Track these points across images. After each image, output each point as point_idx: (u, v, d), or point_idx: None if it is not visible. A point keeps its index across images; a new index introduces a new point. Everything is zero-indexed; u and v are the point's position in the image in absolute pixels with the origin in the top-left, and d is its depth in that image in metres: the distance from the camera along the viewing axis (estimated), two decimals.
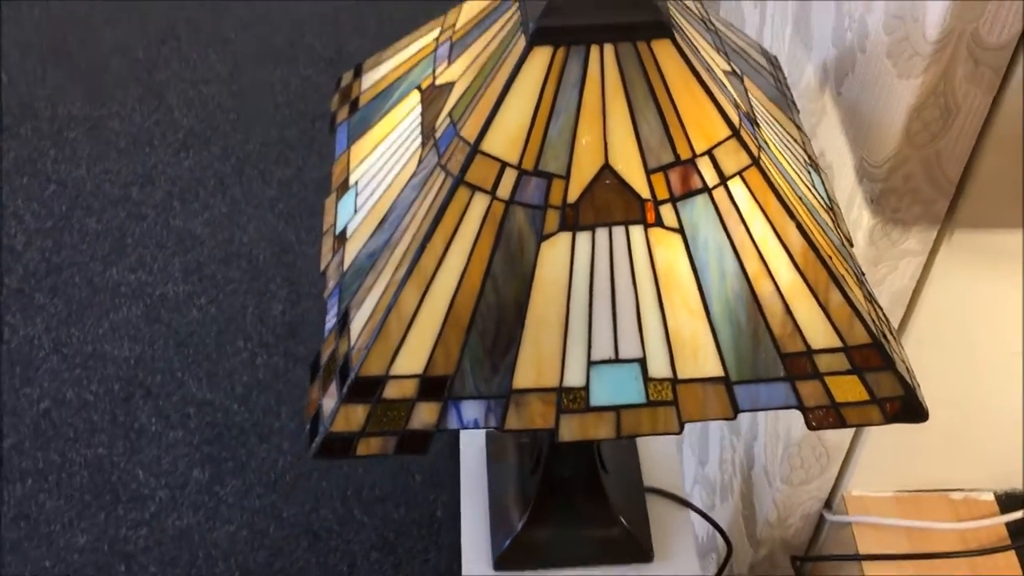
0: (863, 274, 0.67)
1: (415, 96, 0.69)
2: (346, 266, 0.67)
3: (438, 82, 0.67)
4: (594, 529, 0.94)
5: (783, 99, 0.77)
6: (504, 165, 0.58)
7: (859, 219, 0.77)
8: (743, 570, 1.14)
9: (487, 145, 0.58)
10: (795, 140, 0.72)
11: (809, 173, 0.70)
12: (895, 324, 0.85)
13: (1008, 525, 0.97)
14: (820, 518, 1.05)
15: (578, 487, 0.92)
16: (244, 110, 2.50)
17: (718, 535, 1.03)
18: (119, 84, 2.59)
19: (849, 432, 0.95)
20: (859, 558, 0.95)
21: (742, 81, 0.70)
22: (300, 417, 1.89)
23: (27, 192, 2.29)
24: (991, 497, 1.00)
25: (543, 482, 0.91)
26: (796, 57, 0.94)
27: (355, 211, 0.69)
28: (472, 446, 1.04)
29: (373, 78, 0.78)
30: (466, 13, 0.68)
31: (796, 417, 0.94)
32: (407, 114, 0.69)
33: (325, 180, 2.31)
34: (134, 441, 1.83)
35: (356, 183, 0.71)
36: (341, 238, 0.70)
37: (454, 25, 0.69)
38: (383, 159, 0.69)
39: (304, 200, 2.27)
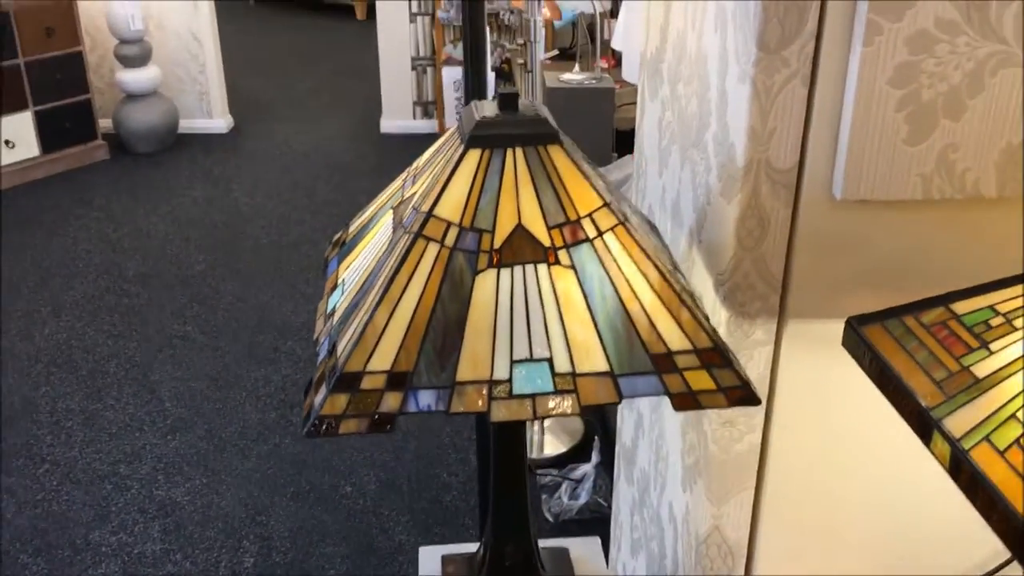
0: (707, 317, 0.92)
1: (389, 214, 0.97)
2: (335, 320, 0.91)
3: (405, 197, 0.96)
4: None
5: (657, 235, 1.06)
6: (449, 224, 0.85)
7: (719, 316, 1.03)
8: None
9: (438, 211, 0.85)
10: (661, 248, 1.00)
11: (667, 251, 0.97)
12: (760, 417, 1.08)
13: None
14: None
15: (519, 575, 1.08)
16: (228, 400, 2.76)
17: None
18: (116, 384, 2.85)
19: (745, 529, 1.13)
20: None
21: (621, 206, 0.99)
22: None
23: (21, 471, 2.46)
24: None
25: (489, 573, 1.08)
26: (673, 234, 1.24)
27: (341, 294, 0.95)
28: (429, 566, 1.19)
29: (357, 222, 1.06)
30: (424, 156, 0.99)
31: (702, 519, 1.13)
32: (382, 226, 0.97)
33: (301, 454, 2.52)
34: None
35: (343, 281, 0.97)
36: (330, 314, 0.94)
37: (417, 166, 0.99)
38: (363, 258, 0.96)
39: (280, 471, 2.46)
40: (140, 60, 4.76)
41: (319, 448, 2.54)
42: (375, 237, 0.97)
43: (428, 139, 5.01)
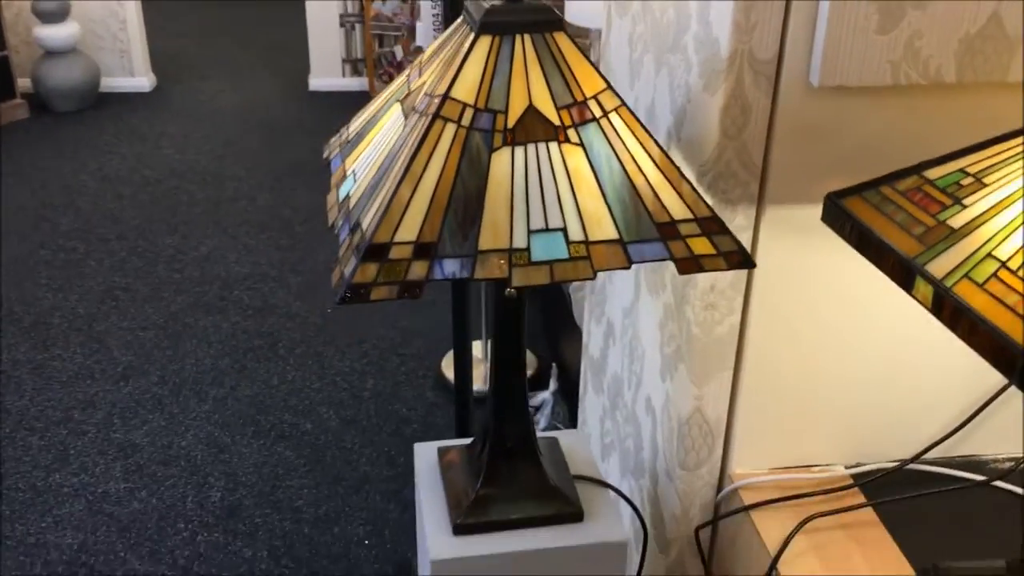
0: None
1: (396, 106, 1.02)
2: (352, 204, 0.95)
3: (412, 89, 1.00)
4: (534, 494, 1.15)
5: None
6: (465, 105, 0.91)
7: None
8: (659, 571, 1.33)
9: (454, 93, 0.91)
10: None
11: None
12: (739, 300, 1.16)
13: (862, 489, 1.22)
14: (715, 509, 1.28)
15: (519, 457, 1.15)
16: (179, 348, 2.76)
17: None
18: (61, 335, 2.82)
19: (724, 407, 1.21)
20: (746, 508, 1.18)
21: None
22: None
23: None
24: (844, 471, 1.25)
25: (491, 452, 1.14)
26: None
27: (354, 182, 0.99)
28: (425, 459, 1.25)
29: (357, 121, 1.11)
30: (428, 50, 1.03)
31: (684, 402, 1.21)
32: (390, 117, 1.02)
33: (259, 396, 2.54)
34: None
35: (353, 171, 1.02)
36: (345, 201, 0.99)
37: (420, 61, 1.04)
38: (374, 148, 1.01)
39: (238, 412, 2.48)
40: (59, 16, 4.63)
41: (276, 390, 2.56)
42: (383, 128, 1.02)
43: (357, 96, 5.01)
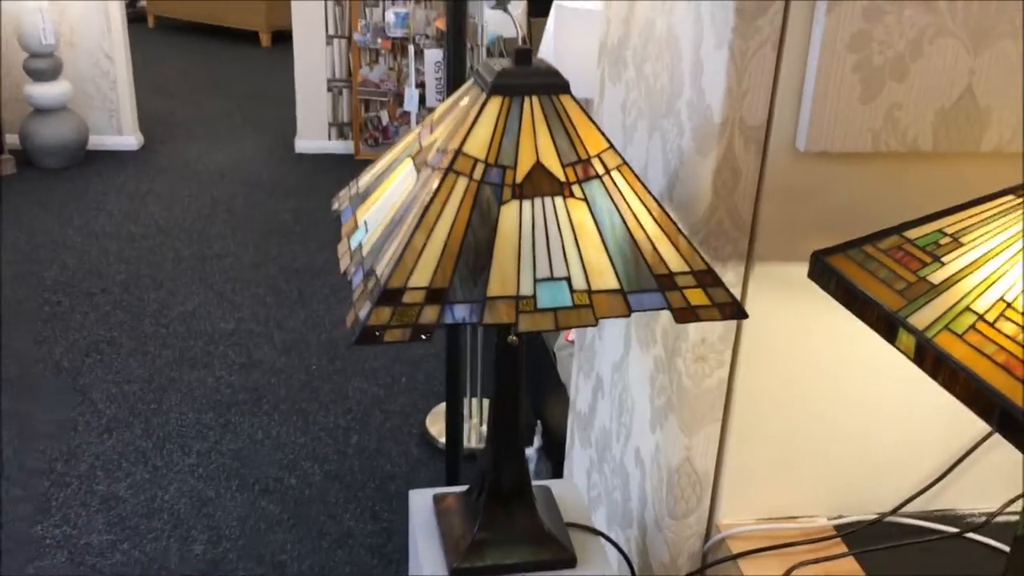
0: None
1: (407, 161, 1.08)
2: (365, 252, 1.00)
3: (424, 145, 1.06)
4: (529, 540, 1.18)
5: None
6: (476, 160, 0.96)
7: None
8: None
9: (466, 148, 0.96)
10: None
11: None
12: (728, 353, 1.21)
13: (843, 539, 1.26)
14: (703, 558, 1.31)
15: (515, 503, 1.18)
16: (164, 401, 2.77)
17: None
18: (44, 387, 2.83)
19: (712, 458, 1.26)
20: (734, 557, 1.22)
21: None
22: None
23: None
24: (826, 522, 1.29)
25: (488, 498, 1.17)
26: None
27: (366, 231, 1.04)
28: (420, 505, 1.28)
29: (368, 175, 1.16)
30: (438, 110, 1.09)
31: (674, 452, 1.26)
32: (402, 172, 1.07)
33: (243, 450, 2.55)
34: None
35: (364, 221, 1.07)
36: (358, 250, 1.03)
37: (431, 119, 1.10)
38: (386, 200, 1.06)
39: (222, 466, 2.49)
40: (51, 74, 4.70)
41: (260, 444, 2.57)
42: (395, 182, 1.07)
43: (343, 159, 5.10)
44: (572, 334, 2.32)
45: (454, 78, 1.53)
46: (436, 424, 2.64)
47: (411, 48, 4.44)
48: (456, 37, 1.50)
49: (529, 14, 4.19)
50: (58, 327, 3.16)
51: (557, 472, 2.29)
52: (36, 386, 2.80)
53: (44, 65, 4.66)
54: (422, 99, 4.48)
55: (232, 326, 3.22)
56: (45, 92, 4.69)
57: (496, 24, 4.07)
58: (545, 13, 3.46)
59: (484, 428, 2.66)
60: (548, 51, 3.06)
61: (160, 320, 3.25)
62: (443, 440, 2.56)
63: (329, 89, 5.19)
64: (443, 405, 2.71)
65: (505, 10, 3.21)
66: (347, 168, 4.98)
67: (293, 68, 5.13)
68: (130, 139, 5.14)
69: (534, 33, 4.24)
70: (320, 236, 3.95)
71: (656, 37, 1.31)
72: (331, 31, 5.09)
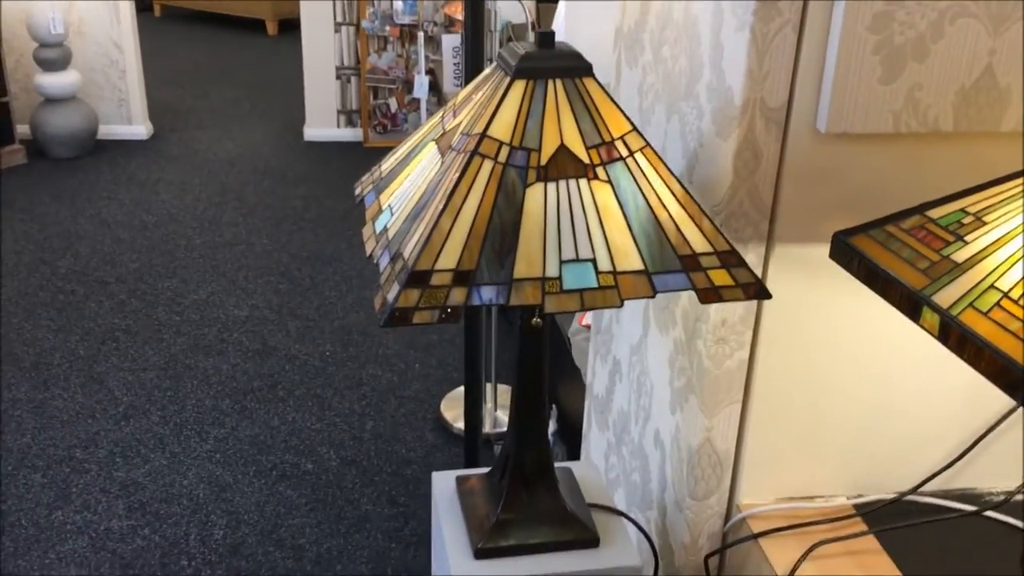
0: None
1: (431, 145, 1.08)
2: (391, 235, 1.01)
3: (447, 129, 1.07)
4: (552, 520, 1.20)
5: None
6: (501, 143, 0.97)
7: None
8: None
9: (491, 132, 0.97)
10: None
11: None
12: (748, 334, 1.22)
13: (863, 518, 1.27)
14: (723, 538, 1.32)
15: (537, 483, 1.19)
16: (180, 389, 2.78)
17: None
18: (61, 375, 2.85)
19: (733, 439, 1.27)
20: (755, 536, 1.23)
21: None
22: None
23: None
24: (846, 501, 1.30)
25: (512, 479, 1.19)
26: None
27: (391, 215, 1.05)
28: (443, 487, 1.29)
29: (390, 160, 1.17)
30: (461, 95, 1.10)
31: (694, 433, 1.27)
32: (426, 156, 1.08)
33: (260, 435, 2.56)
34: None
35: (389, 205, 1.08)
36: (383, 233, 1.04)
37: (454, 103, 1.10)
38: (410, 184, 1.07)
39: (239, 451, 2.50)
40: (60, 64, 4.71)
41: (276, 430, 2.59)
42: (419, 165, 1.08)
43: (351, 147, 5.10)
44: (587, 318, 2.33)
45: (472, 63, 1.54)
46: (451, 409, 2.65)
47: (420, 35, 4.44)
48: (474, 22, 1.50)
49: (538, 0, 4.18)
50: (73, 316, 3.18)
51: (573, 455, 2.31)
52: (53, 375, 2.82)
53: (54, 55, 4.67)
54: (432, 86, 4.48)
55: (246, 313, 3.24)
56: (55, 82, 4.71)
57: (505, 10, 4.07)
58: None
59: (499, 413, 2.68)
60: (559, 37, 3.06)
61: (174, 308, 3.27)
62: (457, 425, 2.58)
63: (338, 77, 5.19)
64: (457, 391, 2.73)
65: None
66: (356, 156, 4.99)
67: (300, 56, 5.13)
68: (140, 128, 5.15)
69: (542, 19, 4.23)
70: (330, 223, 3.96)
71: (674, 21, 1.31)
72: (339, 18, 5.09)
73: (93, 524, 2.21)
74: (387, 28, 4.95)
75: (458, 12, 3.93)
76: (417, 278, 0.93)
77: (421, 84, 3.74)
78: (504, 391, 2.74)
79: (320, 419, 2.65)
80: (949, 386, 1.26)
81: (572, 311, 0.96)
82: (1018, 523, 1.24)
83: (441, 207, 0.95)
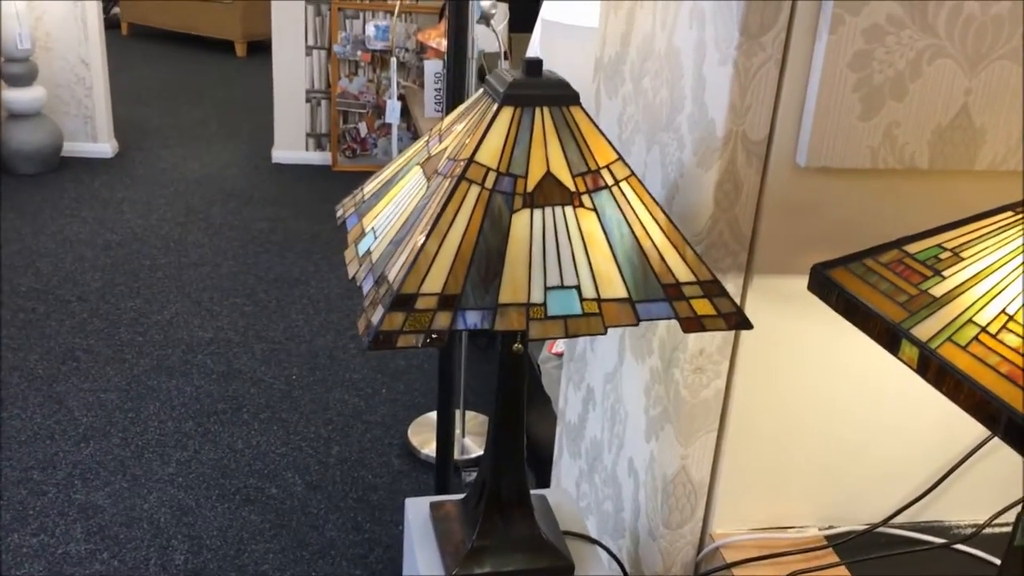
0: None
1: (416, 169, 1.08)
2: (375, 258, 1.01)
3: (432, 153, 1.07)
4: (528, 547, 1.19)
5: None
6: (488, 169, 0.97)
7: None
8: None
9: (478, 157, 0.97)
10: None
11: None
12: (725, 364, 1.23)
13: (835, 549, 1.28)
14: (696, 568, 1.32)
15: (513, 510, 1.19)
16: (142, 410, 2.74)
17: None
18: (20, 394, 2.79)
19: (707, 470, 1.27)
20: (729, 565, 1.23)
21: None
22: None
23: None
24: (818, 532, 1.31)
25: (487, 506, 1.18)
26: None
27: (375, 238, 1.05)
28: (416, 513, 1.28)
29: (373, 183, 1.17)
30: (447, 120, 1.11)
31: (669, 462, 1.27)
32: (410, 180, 1.08)
33: (223, 459, 2.53)
34: None
35: (372, 228, 1.07)
36: (366, 256, 1.04)
37: (440, 129, 1.11)
38: (394, 207, 1.06)
39: (202, 475, 2.47)
40: (26, 79, 4.66)
41: (240, 454, 2.56)
42: (404, 189, 1.08)
43: (320, 171, 5.09)
44: (557, 346, 2.34)
45: (455, 90, 1.54)
46: (418, 435, 2.64)
47: (393, 61, 4.45)
48: (457, 49, 1.51)
49: (510, 29, 4.22)
50: (33, 334, 3.13)
51: (541, 483, 2.30)
52: (11, 394, 2.77)
53: (20, 70, 4.62)
54: (404, 111, 4.49)
55: (210, 335, 3.20)
56: (20, 97, 4.65)
57: (481, 39, 4.09)
58: (525, 28, 3.49)
59: (466, 440, 2.66)
60: None
61: (137, 328, 3.22)
62: (425, 451, 2.56)
63: (307, 100, 5.18)
64: (424, 416, 2.72)
65: (488, 25, 3.23)
66: (324, 179, 4.97)
67: (268, 78, 5.12)
68: (105, 146, 5.10)
69: (514, 48, 4.27)
70: (298, 246, 3.94)
71: (656, 53, 1.33)
72: (311, 42, 5.09)
73: (50, 548, 2.16)
74: (359, 53, 4.96)
75: (431, 39, 3.95)
76: (402, 301, 0.93)
77: (393, 109, 3.74)
78: (472, 417, 2.73)
79: (285, 443, 2.62)
80: (921, 419, 1.28)
81: (556, 337, 0.96)
82: (987, 556, 1.26)
83: (427, 231, 0.95)
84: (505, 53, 3.72)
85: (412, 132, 4.96)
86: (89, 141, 5.08)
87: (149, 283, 3.58)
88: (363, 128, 5.16)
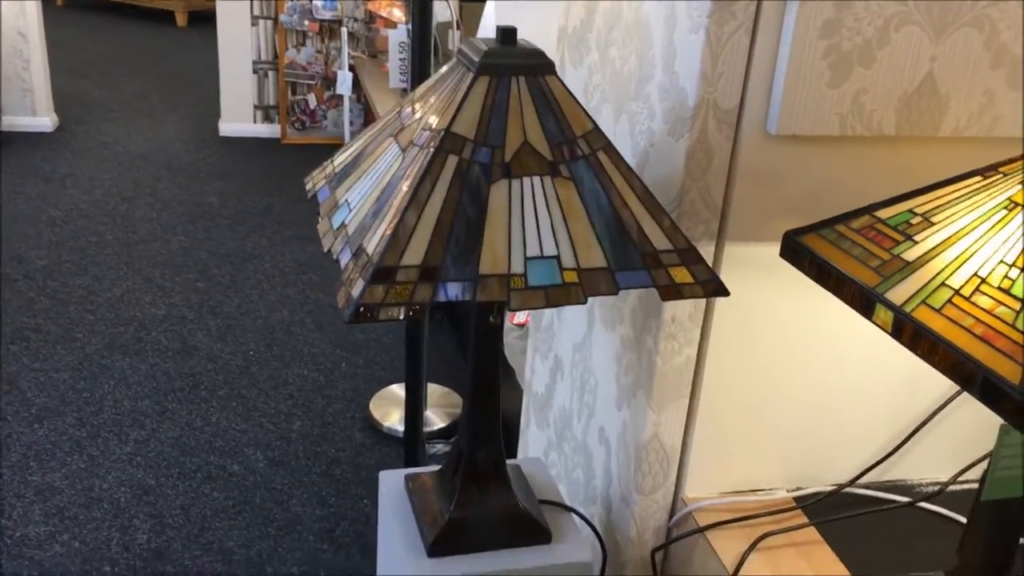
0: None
1: (389, 140, 1.07)
2: (351, 231, 1.00)
3: (406, 124, 1.06)
4: (505, 517, 1.20)
5: None
6: (466, 140, 0.97)
7: None
8: None
9: (455, 128, 0.97)
10: None
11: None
12: (697, 331, 1.24)
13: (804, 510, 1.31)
14: (668, 532, 1.34)
15: (490, 481, 1.19)
16: (96, 390, 2.69)
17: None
18: None
19: (679, 436, 1.29)
20: (702, 529, 1.25)
21: None
22: None
23: None
24: (786, 494, 1.33)
25: (464, 477, 1.18)
26: None
27: (349, 210, 1.04)
28: (390, 486, 1.28)
29: (343, 155, 1.15)
30: (419, 90, 1.09)
31: (642, 428, 1.28)
32: (384, 152, 1.07)
33: (182, 437, 2.50)
34: None
35: (347, 200, 1.06)
36: (342, 229, 1.03)
37: (411, 99, 1.10)
38: (369, 179, 1.05)
39: (161, 454, 2.44)
40: None
41: (200, 432, 2.53)
42: (378, 160, 1.07)
43: (269, 143, 5.02)
44: (519, 316, 2.34)
45: (421, 59, 1.53)
46: (379, 408, 2.63)
47: (343, 31, 4.39)
48: (422, 19, 1.49)
49: None
50: None
51: (507, 454, 2.31)
52: None
53: None
54: (355, 82, 4.43)
55: (163, 312, 3.15)
56: None
57: (436, 8, 4.05)
58: None
59: (428, 412, 2.66)
60: (487, 36, 3.07)
61: (87, 306, 3.16)
62: (387, 424, 2.56)
63: (255, 71, 5.09)
64: (386, 390, 2.71)
65: None
66: (273, 152, 4.90)
67: (212, 49, 5.02)
68: (45, 120, 4.96)
69: (465, 19, 4.23)
70: (249, 220, 3.88)
71: (623, 22, 1.33)
72: (256, 12, 4.99)
73: (8, 530, 2.12)
74: (306, 23, 4.88)
75: (382, 9, 3.90)
76: (383, 274, 0.92)
77: (344, 80, 3.69)
78: (434, 390, 2.73)
79: (245, 420, 2.60)
80: (885, 382, 1.31)
81: (537, 307, 0.96)
82: (950, 514, 1.30)
83: (406, 203, 0.94)
84: (457, 23, 3.69)
85: (363, 104, 4.91)
86: (28, 115, 4.94)
87: (97, 260, 3.51)
88: (312, 100, 5.09)
